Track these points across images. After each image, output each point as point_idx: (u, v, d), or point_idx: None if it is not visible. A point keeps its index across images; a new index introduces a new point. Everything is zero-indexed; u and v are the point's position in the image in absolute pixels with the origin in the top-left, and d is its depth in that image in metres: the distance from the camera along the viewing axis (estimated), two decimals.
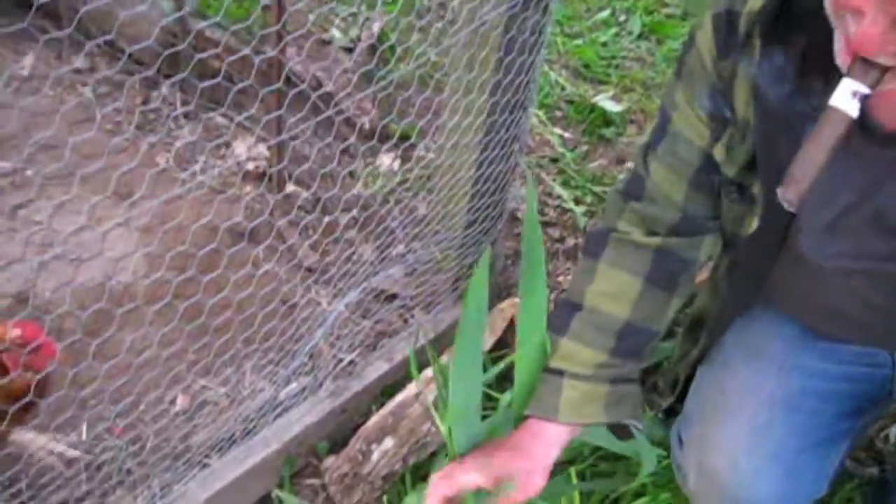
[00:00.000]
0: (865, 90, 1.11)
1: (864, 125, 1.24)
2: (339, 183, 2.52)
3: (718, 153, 1.46)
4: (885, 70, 1.09)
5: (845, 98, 1.12)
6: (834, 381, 1.63)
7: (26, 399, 1.51)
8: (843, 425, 1.64)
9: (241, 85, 1.61)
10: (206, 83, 1.38)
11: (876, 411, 1.70)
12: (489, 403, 1.92)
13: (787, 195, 1.19)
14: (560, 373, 1.56)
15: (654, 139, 1.55)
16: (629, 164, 3.01)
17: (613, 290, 1.58)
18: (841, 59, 1.14)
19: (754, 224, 1.46)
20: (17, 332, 1.61)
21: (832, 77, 1.15)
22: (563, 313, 1.60)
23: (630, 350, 1.58)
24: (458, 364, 1.55)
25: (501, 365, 2.06)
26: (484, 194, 2.02)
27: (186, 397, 2.05)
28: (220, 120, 2.85)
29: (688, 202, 1.55)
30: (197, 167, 2.67)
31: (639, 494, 1.94)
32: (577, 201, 2.81)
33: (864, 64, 1.10)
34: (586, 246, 1.65)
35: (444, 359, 2.00)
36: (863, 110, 1.14)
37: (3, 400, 1.54)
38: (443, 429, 1.67)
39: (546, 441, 1.51)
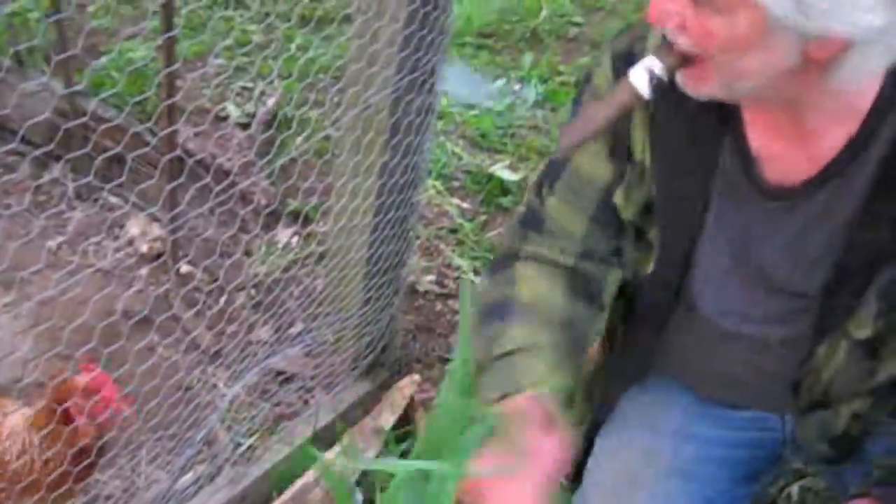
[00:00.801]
0: (659, 71, 1.18)
1: (751, 180, 1.31)
2: (235, 261, 2.50)
3: (618, 197, 1.45)
4: (684, 59, 1.17)
5: (642, 73, 1.20)
6: (729, 447, 1.65)
7: (91, 450, 1.57)
8: (739, 491, 1.67)
9: (132, 163, 1.60)
10: (100, 162, 1.38)
11: (770, 474, 1.76)
12: None
13: (562, 143, 1.26)
14: (510, 353, 1.44)
15: (551, 175, 1.51)
16: None
17: (538, 296, 1.49)
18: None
19: (650, 268, 1.47)
20: (84, 380, 1.63)
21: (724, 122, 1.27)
22: (492, 317, 1.50)
23: (574, 338, 1.49)
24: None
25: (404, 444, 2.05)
26: (378, 273, 2.03)
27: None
28: (113, 200, 2.80)
29: (588, 237, 1.50)
30: (90, 249, 2.62)
31: None
32: (476, 272, 2.83)
33: (667, 48, 1.18)
34: (492, 268, 1.58)
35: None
36: (751, 168, 1.27)
37: (68, 450, 1.58)
38: None
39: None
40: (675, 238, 1.42)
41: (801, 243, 1.34)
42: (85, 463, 1.60)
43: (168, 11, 1.95)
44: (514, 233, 1.58)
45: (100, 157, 1.47)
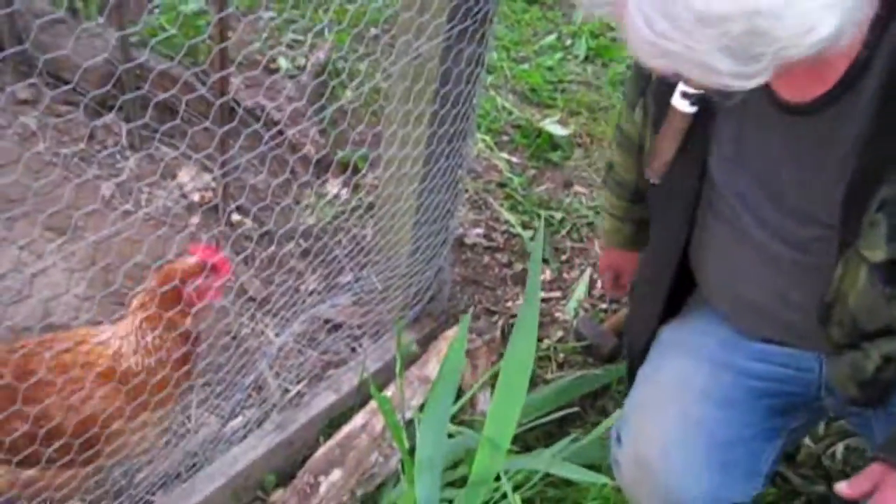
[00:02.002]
0: (695, 91, 1.39)
1: (769, 98, 1.40)
2: (285, 210, 2.52)
3: (637, 116, 1.68)
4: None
5: (679, 98, 1.43)
6: (764, 380, 1.69)
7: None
8: (773, 423, 1.71)
9: (184, 111, 1.62)
10: (152, 110, 1.39)
11: (806, 415, 1.76)
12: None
13: (648, 173, 1.57)
14: (605, 211, 2.03)
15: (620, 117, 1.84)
16: (577, 188, 3.03)
17: (626, 163, 1.90)
18: None
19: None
20: (192, 260, 1.63)
21: None
22: (607, 171, 2.00)
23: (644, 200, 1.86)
24: (427, 422, 1.58)
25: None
26: (426, 223, 2.03)
27: None
28: (165, 150, 2.83)
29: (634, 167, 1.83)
30: (142, 198, 2.65)
31: None
32: (525, 226, 2.82)
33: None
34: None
35: (386, 393, 1.98)
36: (771, 91, 1.37)
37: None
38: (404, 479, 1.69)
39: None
40: (691, 153, 1.54)
41: (815, 164, 1.39)
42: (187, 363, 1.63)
43: None
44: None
45: (152, 105, 1.48)
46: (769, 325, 1.65)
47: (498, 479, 1.70)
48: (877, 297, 1.40)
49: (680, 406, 1.68)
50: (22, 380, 1.42)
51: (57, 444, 1.48)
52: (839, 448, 2.28)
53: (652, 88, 1.57)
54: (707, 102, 1.44)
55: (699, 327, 1.76)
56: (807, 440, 2.28)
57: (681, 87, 1.41)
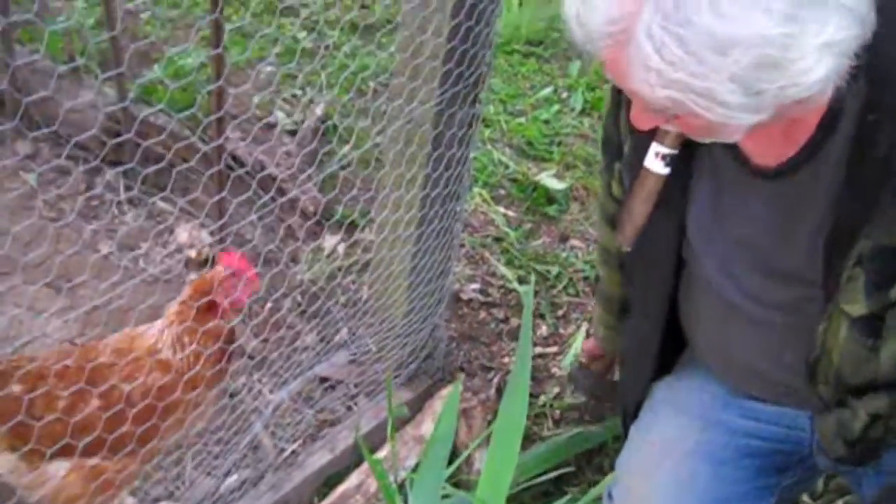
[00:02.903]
0: (669, 151, 1.39)
1: (745, 166, 1.42)
2: (281, 269, 2.53)
3: (614, 189, 1.68)
4: (680, 134, 1.33)
5: (653, 159, 1.41)
6: (756, 438, 1.70)
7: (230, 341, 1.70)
8: (766, 481, 1.71)
9: (182, 171, 1.65)
10: (150, 169, 1.41)
11: (798, 472, 1.76)
12: None
13: (619, 240, 1.54)
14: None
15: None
16: (573, 242, 3.04)
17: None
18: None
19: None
20: (222, 268, 1.71)
21: None
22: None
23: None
24: (420, 483, 1.59)
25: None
26: (421, 283, 2.04)
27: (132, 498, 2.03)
28: (163, 206, 2.85)
29: (607, 236, 1.82)
30: (139, 255, 2.67)
31: None
32: (521, 281, 2.83)
33: (662, 134, 1.37)
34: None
35: (381, 454, 1.97)
36: (741, 157, 1.39)
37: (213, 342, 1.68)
38: None
39: None
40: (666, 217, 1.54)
41: (794, 225, 1.41)
42: (224, 360, 1.71)
43: (217, 24, 1.98)
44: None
45: (151, 166, 1.51)
46: (762, 385, 1.66)
47: None
48: (859, 351, 1.42)
49: (672, 464, 1.68)
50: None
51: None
52: None
53: (625, 159, 1.58)
54: (681, 164, 1.45)
55: (691, 385, 1.77)
56: (805, 497, 2.27)
57: (654, 147, 1.40)
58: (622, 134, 1.58)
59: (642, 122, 1.29)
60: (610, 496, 1.75)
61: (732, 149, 1.39)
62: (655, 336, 1.75)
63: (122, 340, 1.74)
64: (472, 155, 1.92)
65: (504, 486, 1.59)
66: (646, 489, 1.67)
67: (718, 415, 1.71)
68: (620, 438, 2.33)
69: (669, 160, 1.41)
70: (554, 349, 2.66)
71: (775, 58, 1.07)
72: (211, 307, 1.69)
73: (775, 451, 1.71)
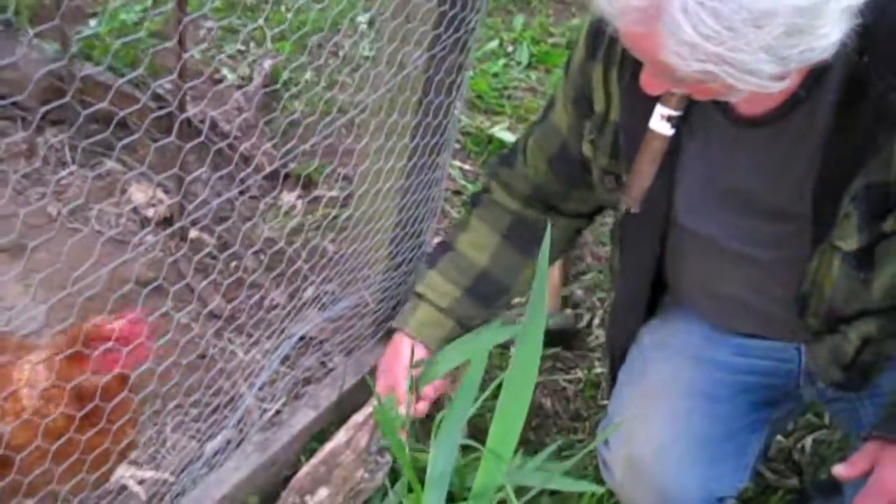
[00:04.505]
0: (675, 113, 1.40)
1: (734, 117, 1.45)
2: (243, 226, 2.47)
3: (586, 150, 1.66)
4: (687, 96, 1.35)
5: (659, 121, 1.41)
6: (746, 374, 1.74)
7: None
8: (758, 415, 1.76)
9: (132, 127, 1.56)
10: (98, 126, 1.35)
11: (787, 405, 1.82)
12: None
13: (629, 202, 1.53)
14: (421, 296, 1.86)
15: (539, 119, 1.80)
16: None
17: (477, 239, 1.86)
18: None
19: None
20: (118, 325, 1.47)
21: None
22: (438, 251, 1.90)
23: (481, 295, 1.85)
24: (443, 436, 1.57)
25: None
26: (405, 237, 2.01)
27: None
28: (113, 166, 2.74)
29: (543, 180, 1.80)
30: (92, 216, 2.57)
31: None
32: None
33: (668, 96, 1.38)
34: (470, 202, 1.93)
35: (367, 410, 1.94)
36: (727, 105, 1.40)
37: (75, 402, 1.43)
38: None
39: (403, 359, 1.82)
40: (661, 177, 1.54)
41: (785, 167, 1.44)
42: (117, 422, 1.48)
43: None
44: (491, 166, 1.91)
45: (95, 124, 1.43)
46: (749, 319, 1.70)
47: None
48: (852, 284, 1.47)
49: (669, 405, 1.71)
50: None
51: None
52: (808, 441, 2.34)
53: (620, 122, 1.58)
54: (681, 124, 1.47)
55: (679, 327, 1.80)
56: (778, 436, 2.33)
57: (660, 109, 1.41)
58: (611, 95, 1.58)
59: (654, 87, 1.33)
60: (606, 442, 1.76)
61: (721, 102, 1.40)
62: (646, 288, 1.77)
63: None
64: (459, 104, 1.89)
65: (513, 437, 1.59)
66: (646, 432, 1.69)
67: (710, 354, 1.75)
68: (591, 385, 2.37)
69: (675, 121, 1.43)
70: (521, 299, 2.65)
71: (803, 26, 1.10)
72: (79, 359, 1.44)
73: (766, 386, 1.76)
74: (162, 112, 1.99)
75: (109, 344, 1.45)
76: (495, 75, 3.47)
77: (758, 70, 1.14)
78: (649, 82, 1.33)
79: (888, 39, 1.29)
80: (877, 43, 1.27)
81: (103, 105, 1.28)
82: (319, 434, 2.06)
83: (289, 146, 1.66)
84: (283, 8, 3.47)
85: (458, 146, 3.14)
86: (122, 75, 2.65)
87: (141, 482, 1.90)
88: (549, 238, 1.52)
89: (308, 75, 3.08)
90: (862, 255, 1.43)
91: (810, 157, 1.41)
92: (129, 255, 2.35)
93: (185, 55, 2.20)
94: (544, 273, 1.48)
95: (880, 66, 1.30)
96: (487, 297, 1.87)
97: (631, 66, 1.48)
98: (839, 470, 1.51)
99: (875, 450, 1.48)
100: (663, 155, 1.48)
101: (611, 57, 1.54)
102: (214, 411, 1.99)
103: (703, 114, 1.47)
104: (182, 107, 2.27)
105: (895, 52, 1.30)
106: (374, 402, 1.82)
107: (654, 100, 1.42)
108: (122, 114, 1.43)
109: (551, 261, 1.81)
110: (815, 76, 1.32)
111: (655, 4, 1.12)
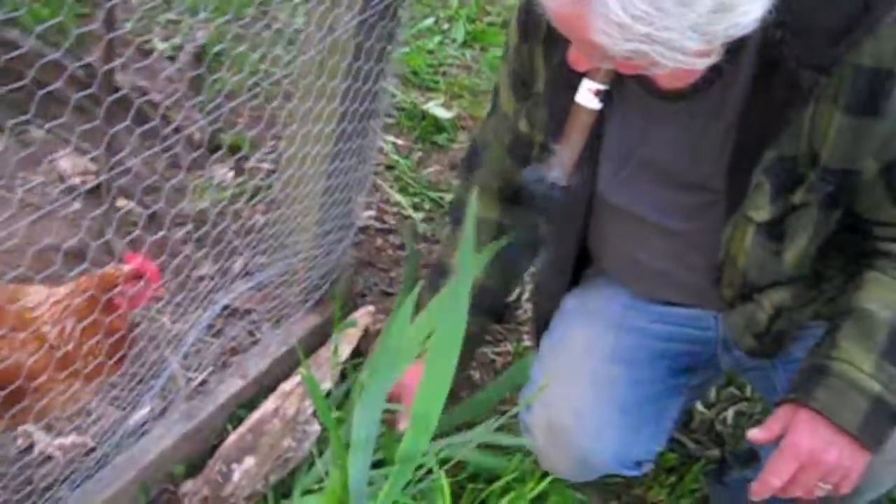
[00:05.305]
0: (602, 87, 1.40)
1: (654, 91, 1.46)
2: (173, 195, 2.43)
3: (522, 125, 1.67)
4: (614, 73, 1.36)
5: (587, 95, 1.42)
6: (666, 340, 1.78)
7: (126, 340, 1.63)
8: (676, 381, 1.81)
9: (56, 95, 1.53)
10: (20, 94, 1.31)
11: (706, 372, 1.87)
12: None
13: (555, 176, 1.52)
14: None
15: (490, 109, 1.80)
16: None
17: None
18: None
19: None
20: (128, 267, 1.65)
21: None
22: (435, 276, 1.92)
23: (485, 308, 1.90)
24: (365, 401, 1.56)
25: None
26: (335, 204, 2.00)
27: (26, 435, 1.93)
28: (36, 133, 2.68)
29: (508, 169, 1.78)
30: (17, 183, 2.51)
31: (505, 491, 1.96)
32: (416, 207, 2.82)
33: (595, 71, 1.38)
34: (450, 215, 1.96)
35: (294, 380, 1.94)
36: (646, 79, 1.41)
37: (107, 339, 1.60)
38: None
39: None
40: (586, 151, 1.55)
41: (702, 139, 1.47)
42: (118, 354, 1.64)
43: None
44: (461, 172, 1.93)
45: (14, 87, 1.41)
46: (668, 288, 1.73)
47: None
48: (764, 255, 1.50)
49: (589, 370, 1.74)
50: None
51: None
52: (729, 413, 2.38)
53: (544, 96, 1.60)
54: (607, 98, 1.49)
55: (601, 294, 1.83)
56: (700, 407, 2.38)
57: (587, 84, 1.43)
58: (535, 70, 1.60)
59: (582, 63, 1.35)
60: (528, 407, 1.78)
61: (642, 76, 1.43)
62: (570, 259, 1.80)
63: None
64: (390, 76, 1.89)
65: (439, 403, 1.59)
66: (566, 396, 1.72)
67: (631, 321, 1.78)
68: (519, 358, 2.39)
69: (603, 95, 1.44)
70: None
71: (728, 3, 1.14)
72: (109, 305, 1.63)
73: (685, 353, 1.80)
74: (91, 84, 1.94)
75: (130, 286, 1.63)
76: (430, 52, 3.47)
77: (685, 48, 1.16)
78: (577, 59, 1.34)
79: (801, 13, 1.31)
80: (791, 17, 1.30)
81: (30, 76, 1.27)
82: (248, 403, 2.04)
83: (218, 113, 1.64)
84: None
85: (391, 121, 3.13)
86: (50, 42, 2.60)
87: (60, 448, 1.87)
88: (474, 208, 1.53)
89: (242, 47, 3.04)
90: (773, 227, 1.47)
91: (726, 129, 1.44)
92: (54, 223, 2.32)
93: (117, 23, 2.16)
94: (469, 244, 1.49)
95: (793, 40, 1.33)
96: (487, 307, 1.92)
97: (561, 45, 1.49)
98: (753, 434, 1.53)
99: (788, 414, 1.51)
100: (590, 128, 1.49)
101: (541, 36, 1.55)
102: (140, 382, 1.97)
103: (624, 88, 1.49)
104: (110, 78, 2.22)
105: (807, 26, 1.33)
106: (302, 370, 1.82)
107: (582, 75, 1.43)
108: (50, 88, 1.41)
109: (529, 260, 1.96)
110: (733, 51, 1.33)
111: None
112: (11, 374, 1.50)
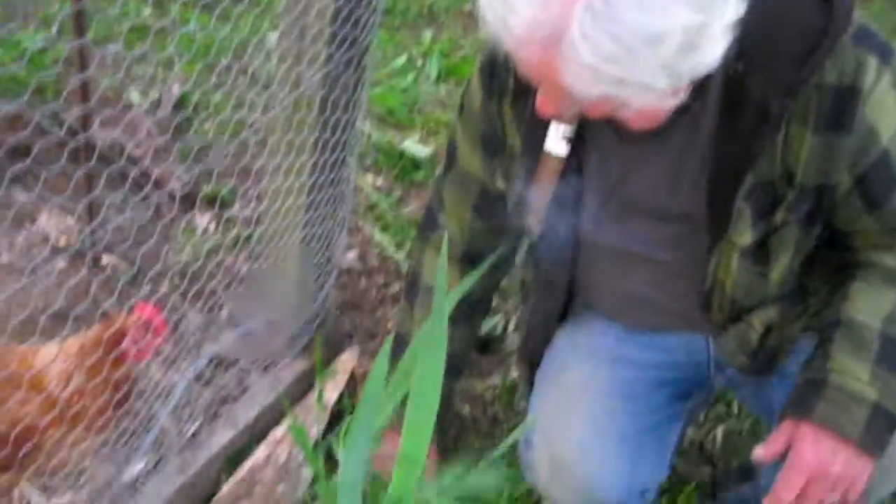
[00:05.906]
0: (569, 131, 1.45)
1: (625, 134, 1.46)
2: (156, 249, 2.47)
3: (501, 184, 1.67)
4: (578, 113, 1.37)
5: (556, 141, 1.47)
6: (660, 368, 1.80)
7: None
8: (674, 408, 1.83)
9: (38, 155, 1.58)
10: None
11: (701, 394, 1.89)
12: None
13: (528, 228, 1.58)
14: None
15: (445, 170, 1.79)
16: None
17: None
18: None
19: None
20: (136, 316, 1.69)
21: None
22: (397, 348, 1.84)
23: (455, 370, 1.89)
24: (351, 444, 1.58)
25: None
26: (315, 252, 2.03)
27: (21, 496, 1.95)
28: (18, 193, 2.72)
29: (472, 228, 1.79)
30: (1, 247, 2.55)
31: None
32: (398, 246, 2.86)
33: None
34: (406, 289, 1.93)
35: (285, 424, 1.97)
36: (619, 123, 1.40)
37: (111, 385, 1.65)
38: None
39: None
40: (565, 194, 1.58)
41: (678, 174, 1.50)
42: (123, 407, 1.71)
43: (79, 11, 1.91)
44: (416, 243, 1.92)
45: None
46: (658, 315, 1.75)
47: None
48: (751, 277, 1.53)
49: (588, 404, 1.75)
50: None
51: None
52: (718, 432, 2.41)
53: (523, 147, 1.60)
54: (578, 142, 1.52)
55: (592, 328, 1.84)
56: (689, 428, 2.40)
57: (554, 130, 1.46)
58: (506, 125, 1.61)
59: (549, 108, 1.36)
60: (528, 442, 1.80)
61: (612, 121, 1.44)
62: (560, 303, 1.81)
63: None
64: (359, 119, 1.93)
65: (425, 440, 1.61)
66: (568, 431, 1.72)
67: (623, 352, 1.79)
68: (508, 390, 2.42)
69: (569, 140, 1.48)
70: None
71: (696, 42, 1.17)
72: (118, 357, 1.67)
73: (679, 379, 1.82)
74: (73, 141, 1.98)
75: (137, 338, 1.68)
76: (405, 90, 3.51)
77: (654, 87, 1.20)
78: (544, 104, 1.36)
79: (757, 44, 1.35)
80: (748, 47, 1.34)
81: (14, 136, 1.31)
82: (240, 452, 2.07)
83: (198, 168, 1.69)
84: (191, 26, 3.47)
85: (369, 162, 3.17)
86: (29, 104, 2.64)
87: None
88: (446, 247, 1.56)
89: (218, 96, 3.09)
90: (757, 250, 1.49)
91: (701, 161, 1.47)
92: (34, 283, 2.35)
93: (87, 78, 2.20)
94: (443, 282, 1.52)
95: (753, 69, 1.37)
96: (456, 369, 1.95)
97: (530, 96, 1.49)
98: (758, 452, 1.56)
99: (790, 429, 1.54)
100: (561, 175, 1.52)
101: (507, 92, 1.56)
102: (132, 436, 1.99)
103: (598, 133, 1.52)
104: (85, 131, 2.26)
105: (765, 54, 1.37)
106: (290, 417, 1.84)
107: (548, 123, 1.47)
108: (37, 149, 1.46)
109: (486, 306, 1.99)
110: (698, 85, 1.36)
111: (556, 31, 1.15)
112: (24, 435, 1.53)
